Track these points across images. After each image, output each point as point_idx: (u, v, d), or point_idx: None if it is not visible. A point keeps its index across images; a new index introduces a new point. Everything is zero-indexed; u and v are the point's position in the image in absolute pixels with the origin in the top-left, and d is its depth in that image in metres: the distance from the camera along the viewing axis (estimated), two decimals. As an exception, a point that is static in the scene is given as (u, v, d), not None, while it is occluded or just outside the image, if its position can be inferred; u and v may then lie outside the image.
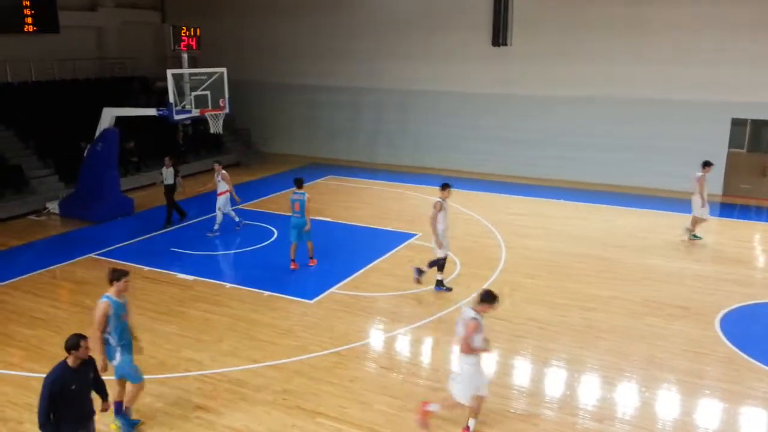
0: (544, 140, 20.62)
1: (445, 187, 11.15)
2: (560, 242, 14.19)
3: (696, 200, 13.98)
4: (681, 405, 7.87)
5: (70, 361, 5.88)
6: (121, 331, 7.06)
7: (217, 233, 14.63)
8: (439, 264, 11.22)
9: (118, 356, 7.02)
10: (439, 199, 11.01)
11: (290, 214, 12.38)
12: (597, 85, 19.51)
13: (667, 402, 7.93)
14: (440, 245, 11.04)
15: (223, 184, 14.58)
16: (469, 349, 6.76)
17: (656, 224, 15.71)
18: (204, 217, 16.14)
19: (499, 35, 20.47)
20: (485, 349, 6.92)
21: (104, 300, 6.97)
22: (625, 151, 19.46)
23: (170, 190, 15.37)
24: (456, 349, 6.98)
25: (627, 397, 8.03)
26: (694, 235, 14.17)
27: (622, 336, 9.63)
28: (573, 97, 19.97)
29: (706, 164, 13.98)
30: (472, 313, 6.77)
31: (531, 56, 20.29)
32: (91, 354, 6.08)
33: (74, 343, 5.85)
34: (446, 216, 11.05)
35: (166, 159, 15.42)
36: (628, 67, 18.97)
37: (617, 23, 18.85)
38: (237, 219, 15.08)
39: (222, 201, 14.60)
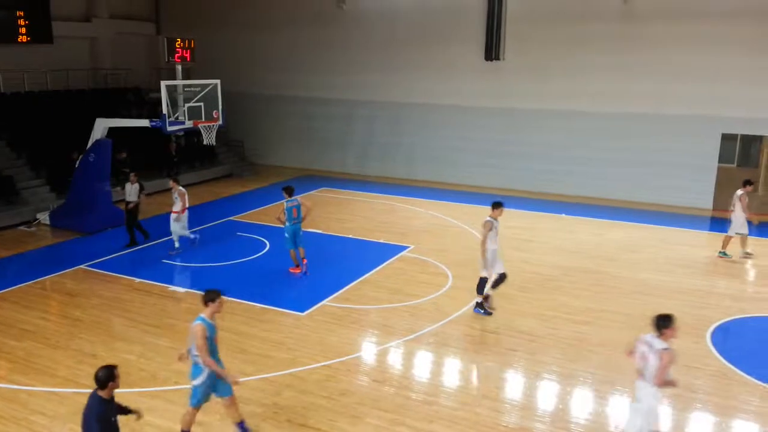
0: (536, 154, 20.74)
1: (496, 205, 10.61)
2: (552, 255, 14.23)
3: (737, 218, 13.81)
4: (672, 419, 7.88)
5: (105, 394, 5.60)
6: (211, 353, 6.80)
7: (180, 250, 14.12)
8: (483, 285, 10.73)
9: (201, 378, 6.84)
10: (489, 219, 10.52)
11: (283, 224, 12.45)
12: (589, 99, 19.68)
13: (659, 416, 7.91)
14: (485, 265, 10.58)
15: (179, 203, 13.79)
16: (663, 383, 6.36)
17: (647, 238, 15.79)
18: (197, 228, 16.09)
19: (492, 50, 20.64)
20: (675, 383, 6.57)
21: (199, 322, 6.73)
22: (617, 165, 19.61)
23: (134, 208, 14.65)
24: (642, 383, 6.59)
25: (618, 410, 8.03)
26: (724, 253, 14.12)
27: (613, 349, 9.63)
28: (565, 111, 20.13)
29: (747, 183, 13.92)
30: (662, 344, 6.34)
31: (523, 71, 20.46)
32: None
33: (110, 374, 5.58)
34: (496, 236, 10.57)
35: (131, 175, 14.72)
36: (620, 83, 19.15)
37: (609, 39, 19.05)
38: (192, 236, 14.38)
39: (180, 218, 13.88)
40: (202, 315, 6.85)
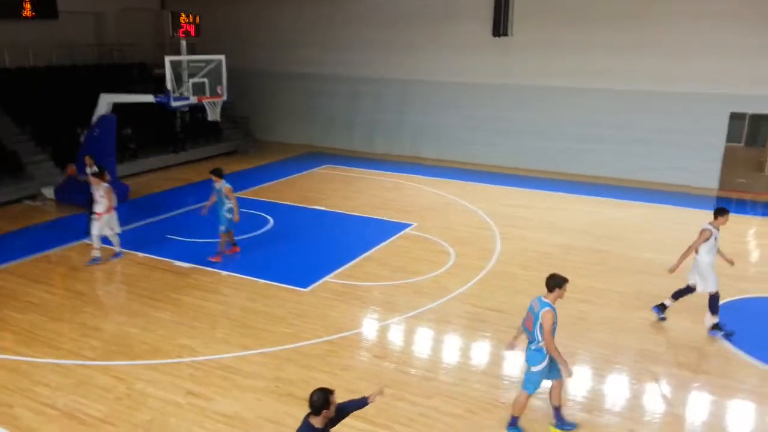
0: (543, 131, 20.58)
1: (720, 212, 9.42)
2: (556, 234, 14.19)
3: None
4: (672, 397, 7.91)
5: (318, 422, 4.76)
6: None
7: (121, 254, 12.39)
8: (716, 302, 9.38)
9: (543, 364, 6.79)
10: (709, 227, 9.34)
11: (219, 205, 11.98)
12: (597, 76, 19.44)
13: (658, 394, 7.96)
14: (691, 270, 9.47)
15: (103, 203, 11.78)
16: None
17: (652, 217, 15.71)
18: (199, 204, 16.14)
19: (500, 25, 20.34)
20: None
21: (548, 308, 6.66)
22: (624, 144, 19.44)
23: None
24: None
25: (617, 388, 8.06)
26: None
27: (614, 328, 9.65)
28: (573, 88, 19.90)
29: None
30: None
31: (531, 47, 20.20)
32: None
33: (324, 400, 4.75)
34: (715, 247, 9.33)
35: (87, 158, 13.76)
36: (628, 59, 18.88)
37: (618, 15, 18.73)
38: (118, 249, 12.32)
39: (102, 221, 11.86)
40: (547, 300, 6.75)
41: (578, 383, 8.13)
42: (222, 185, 11.90)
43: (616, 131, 19.45)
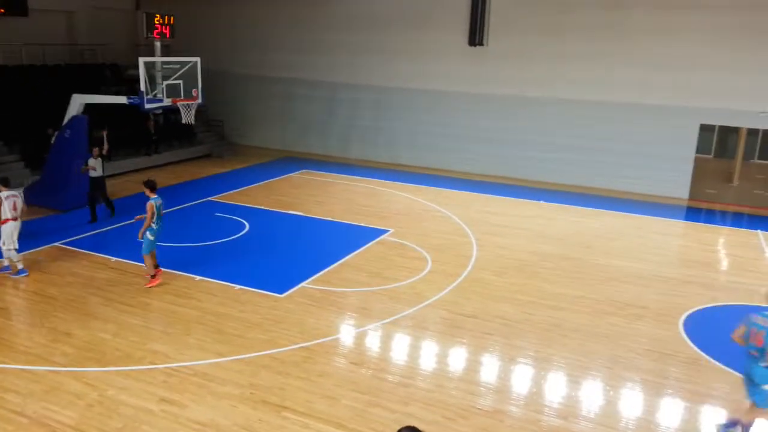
0: (517, 140, 20.81)
1: None
2: (530, 241, 14.35)
3: None
4: (644, 404, 8.03)
5: None
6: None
7: (24, 272, 11.36)
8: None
9: None
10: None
11: (148, 225, 10.93)
12: (570, 86, 19.76)
13: (631, 400, 8.08)
14: None
15: (5, 211, 10.93)
16: None
17: (624, 226, 15.99)
18: (175, 207, 15.93)
19: (476, 35, 20.57)
20: None
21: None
22: (596, 154, 19.75)
23: (100, 182, 14.74)
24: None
25: (592, 395, 8.16)
26: None
27: (587, 335, 9.78)
28: (547, 98, 20.19)
29: None
30: None
31: (507, 57, 20.45)
32: None
33: None
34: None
35: (94, 150, 14.59)
36: (601, 71, 19.23)
37: (592, 27, 19.09)
38: (19, 267, 11.27)
39: (6, 232, 11.01)
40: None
41: (553, 390, 8.22)
42: (153, 199, 10.85)
43: (589, 141, 19.76)
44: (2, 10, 19.59)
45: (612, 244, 14.47)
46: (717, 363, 8.97)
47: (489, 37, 20.57)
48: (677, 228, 16.52)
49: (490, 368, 8.77)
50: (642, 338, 9.74)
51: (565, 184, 20.11)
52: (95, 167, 14.61)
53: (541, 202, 17.96)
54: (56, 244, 13.09)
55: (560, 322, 10.19)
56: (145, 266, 11.12)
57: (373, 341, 9.50)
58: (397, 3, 21.89)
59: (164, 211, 11.39)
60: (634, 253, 13.85)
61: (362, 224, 15.24)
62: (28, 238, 13.37)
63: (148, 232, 10.89)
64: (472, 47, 20.75)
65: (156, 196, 10.95)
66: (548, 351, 9.20)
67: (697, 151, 18.77)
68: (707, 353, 9.24)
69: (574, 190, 19.60)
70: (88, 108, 15.92)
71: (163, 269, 11.49)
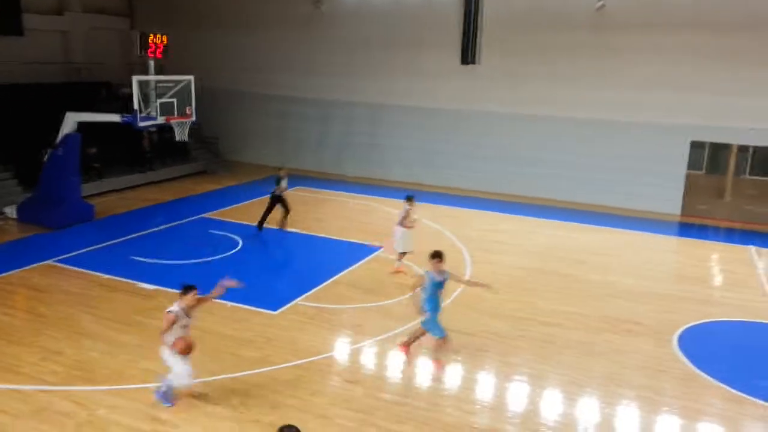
0: (511, 157, 20.90)
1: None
2: (524, 257, 14.34)
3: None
4: (640, 421, 7.99)
5: None
6: None
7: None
8: None
9: None
10: None
11: None
12: (561, 105, 19.91)
13: (626, 417, 8.04)
14: None
15: None
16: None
17: (617, 242, 16.03)
18: (170, 225, 15.89)
19: (468, 53, 20.75)
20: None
21: None
22: (588, 170, 19.85)
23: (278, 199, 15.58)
24: None
25: (587, 412, 8.12)
26: None
27: (581, 352, 9.75)
28: (538, 116, 20.32)
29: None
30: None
31: (498, 75, 20.62)
32: None
33: None
34: None
35: (281, 171, 15.61)
36: (592, 90, 19.41)
37: (583, 47, 19.29)
38: None
39: None
40: None
41: (549, 407, 8.17)
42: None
43: (582, 158, 19.88)
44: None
45: (605, 259, 14.49)
46: (712, 379, 8.95)
47: (481, 55, 20.75)
48: (670, 244, 16.57)
49: (485, 386, 8.72)
50: (637, 354, 9.72)
51: (558, 200, 20.18)
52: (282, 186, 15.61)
53: (526, 216, 17.99)
54: (48, 261, 13.00)
55: (554, 338, 10.16)
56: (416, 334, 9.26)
57: (367, 359, 9.43)
58: (390, 23, 22.07)
59: (437, 287, 8.95)
60: (627, 268, 13.87)
61: (356, 241, 15.21)
62: (19, 256, 13.33)
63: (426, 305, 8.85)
64: (464, 66, 20.92)
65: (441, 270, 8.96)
66: (543, 368, 9.16)
67: (689, 167, 18.90)
68: (702, 369, 9.22)
69: (567, 206, 19.66)
70: (82, 126, 15.91)
71: (157, 287, 11.43)
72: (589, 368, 9.22)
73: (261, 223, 15.59)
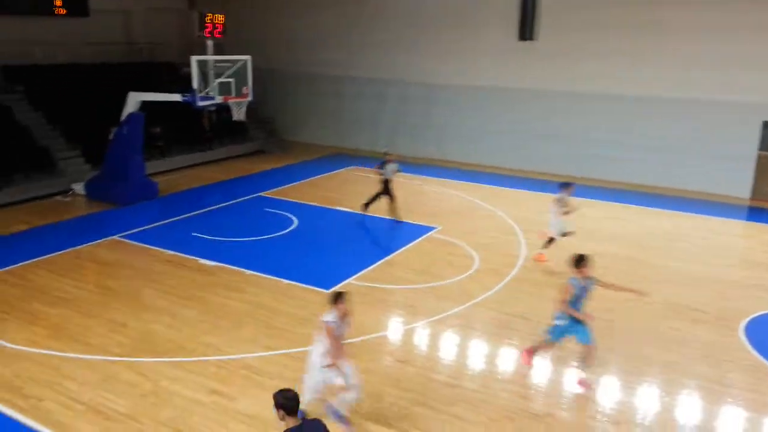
0: (570, 137, 20.34)
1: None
2: (584, 241, 13.93)
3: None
4: (702, 412, 7.72)
5: None
6: None
7: None
8: None
9: None
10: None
11: None
12: (625, 83, 19.16)
13: (688, 408, 7.78)
14: None
15: None
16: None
17: (684, 226, 15.42)
18: (229, 203, 16.27)
19: (526, 29, 20.18)
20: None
21: None
22: (653, 151, 19.11)
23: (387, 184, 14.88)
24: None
25: (646, 401, 7.90)
26: None
27: (642, 339, 9.47)
28: (601, 94, 19.64)
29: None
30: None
31: (558, 51, 19.99)
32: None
33: None
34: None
35: (387, 155, 14.91)
36: (658, 67, 18.58)
37: (647, 23, 18.44)
38: None
39: None
40: None
41: (606, 395, 7.99)
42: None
43: (645, 139, 19.14)
44: (65, 11, 20.33)
45: (670, 244, 13.97)
46: (781, 371, 8.55)
47: (539, 31, 20.14)
48: (738, 228, 15.82)
49: (540, 370, 8.59)
50: (700, 343, 9.37)
51: (619, 181, 19.54)
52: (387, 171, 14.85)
53: (586, 199, 17.48)
54: (114, 236, 13.55)
55: (614, 325, 9.90)
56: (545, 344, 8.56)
57: (419, 339, 9.45)
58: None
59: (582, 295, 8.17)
60: (692, 254, 13.34)
61: (409, 221, 15.18)
62: (87, 231, 13.94)
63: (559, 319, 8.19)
64: (522, 42, 20.37)
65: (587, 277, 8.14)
66: (600, 354, 8.91)
67: (760, 148, 17.92)
68: (770, 360, 8.82)
69: (629, 188, 19.02)
70: (145, 105, 16.39)
71: (217, 263, 11.76)
72: (649, 356, 8.95)
73: (367, 205, 15.19)
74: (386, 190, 14.86)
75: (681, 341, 9.42)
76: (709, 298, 11.07)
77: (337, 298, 6.78)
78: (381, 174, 14.77)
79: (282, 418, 4.79)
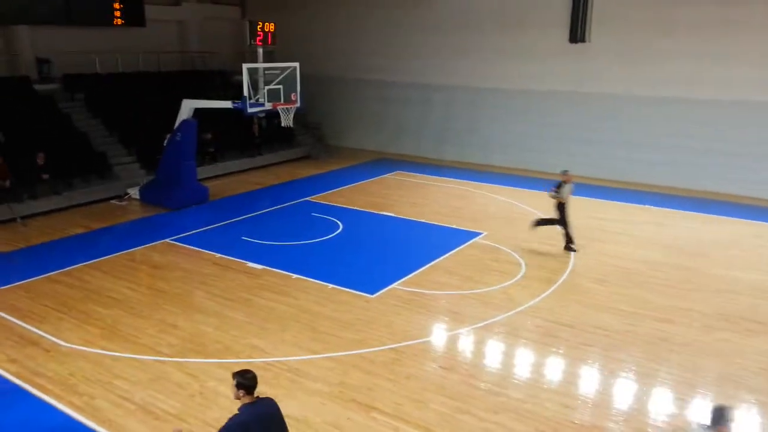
0: (623, 141, 19.79)
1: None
2: (637, 248, 13.58)
3: None
4: (758, 427, 7.37)
5: None
6: None
7: None
8: None
9: None
10: None
11: None
12: (679, 85, 18.55)
13: (743, 424, 7.44)
14: None
15: None
16: None
17: (742, 234, 14.78)
18: (276, 207, 16.52)
19: (577, 31, 19.80)
20: None
21: None
22: (709, 156, 18.41)
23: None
24: None
25: (699, 415, 7.59)
26: None
27: (696, 350, 9.12)
28: (654, 97, 19.08)
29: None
30: None
31: (610, 54, 19.53)
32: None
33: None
34: None
35: (565, 174, 13.18)
36: (713, 69, 17.91)
37: (701, 23, 17.83)
38: None
39: None
40: None
41: (656, 408, 7.72)
42: None
43: (701, 143, 18.46)
44: (123, 22, 21.09)
45: (729, 252, 13.42)
46: None
47: (591, 33, 19.73)
48: (802, 236, 15.07)
49: (587, 381, 8.38)
50: (757, 356, 8.94)
51: (674, 187, 18.90)
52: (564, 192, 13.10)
53: (638, 204, 16.97)
54: (167, 240, 13.94)
55: (667, 335, 9.57)
56: None
57: (463, 346, 9.36)
58: (492, 1, 21.48)
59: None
60: (751, 262, 12.78)
61: (455, 226, 15.08)
62: (141, 234, 14.39)
63: None
64: (573, 44, 19.99)
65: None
66: (652, 366, 8.66)
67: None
68: (836, 377, 8.34)
69: (684, 194, 18.37)
70: (198, 112, 16.83)
71: (264, 266, 11.94)
72: (703, 368, 8.61)
73: (569, 239, 13.32)
74: (561, 215, 13.26)
75: (737, 353, 9.01)
76: (767, 308, 10.58)
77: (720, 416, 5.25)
78: (557, 198, 13.20)
79: (238, 397, 5.21)
